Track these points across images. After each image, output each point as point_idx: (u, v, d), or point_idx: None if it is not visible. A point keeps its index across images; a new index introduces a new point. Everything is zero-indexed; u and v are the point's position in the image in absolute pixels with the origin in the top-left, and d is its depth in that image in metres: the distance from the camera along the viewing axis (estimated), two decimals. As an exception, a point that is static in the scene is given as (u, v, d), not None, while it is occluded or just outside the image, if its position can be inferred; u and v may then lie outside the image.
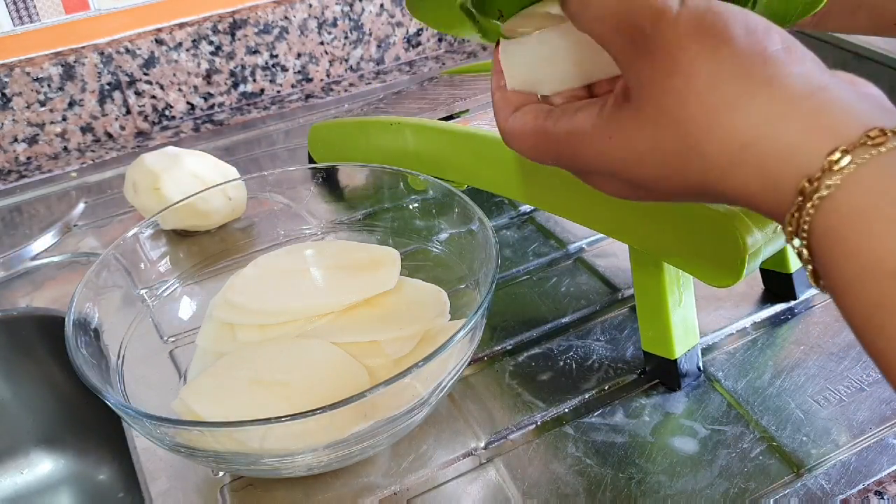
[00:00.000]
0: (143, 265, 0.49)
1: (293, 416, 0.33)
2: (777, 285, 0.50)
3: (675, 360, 0.44)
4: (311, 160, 0.65)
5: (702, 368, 0.46)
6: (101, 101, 0.76)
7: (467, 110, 0.54)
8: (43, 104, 0.74)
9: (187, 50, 0.78)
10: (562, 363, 0.47)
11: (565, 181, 0.43)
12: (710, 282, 0.38)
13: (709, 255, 0.37)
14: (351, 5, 0.84)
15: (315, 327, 0.46)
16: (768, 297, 0.50)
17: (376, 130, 0.55)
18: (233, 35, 0.79)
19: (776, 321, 0.49)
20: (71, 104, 0.75)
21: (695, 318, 0.44)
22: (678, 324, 0.43)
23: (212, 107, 0.82)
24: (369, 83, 0.86)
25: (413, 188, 0.51)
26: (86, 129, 0.77)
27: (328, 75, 0.87)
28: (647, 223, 0.40)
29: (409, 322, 0.45)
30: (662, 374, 0.45)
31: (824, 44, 0.69)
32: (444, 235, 0.51)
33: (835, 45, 0.68)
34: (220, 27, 0.78)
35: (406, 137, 0.53)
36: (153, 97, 0.78)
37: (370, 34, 0.87)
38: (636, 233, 0.41)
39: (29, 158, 0.76)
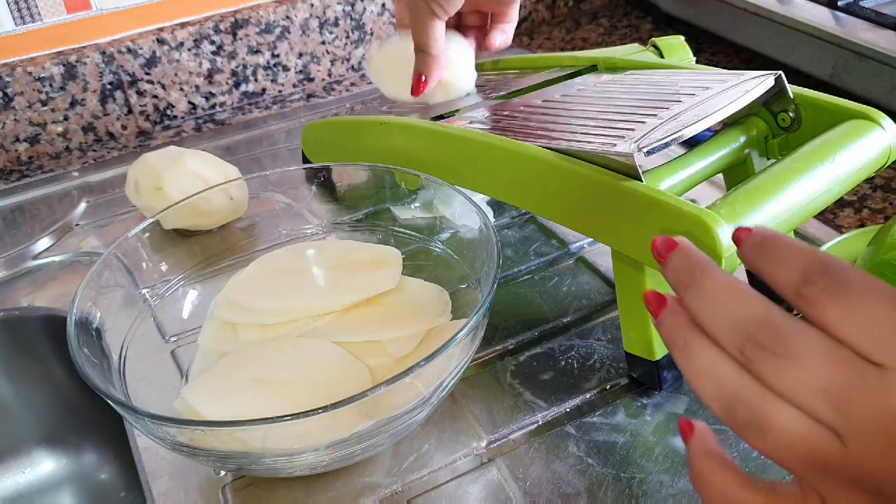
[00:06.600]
0: (144, 265, 0.49)
1: (295, 416, 0.33)
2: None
3: (656, 362, 0.44)
4: (304, 159, 0.65)
5: None
6: (103, 101, 0.76)
7: (458, 110, 0.54)
8: (45, 104, 0.74)
9: (189, 49, 0.78)
10: (563, 363, 0.47)
11: (545, 181, 0.43)
12: None
13: None
14: (352, 5, 0.84)
15: (317, 327, 0.46)
16: (770, 297, 0.50)
17: (367, 129, 0.55)
18: (234, 35, 0.79)
19: (777, 321, 0.49)
20: (73, 104, 0.75)
21: None
22: None
23: (213, 106, 0.82)
24: (371, 83, 0.86)
25: (408, 188, 0.51)
26: (87, 129, 0.77)
27: (330, 75, 0.87)
28: (625, 224, 0.39)
29: (411, 322, 0.45)
30: (644, 374, 0.45)
31: (826, 44, 0.69)
32: (445, 235, 0.51)
33: (835, 44, 0.68)
34: (221, 27, 0.78)
35: (395, 137, 0.53)
36: (155, 97, 0.78)
37: (372, 34, 0.87)
38: (615, 234, 0.41)
39: (31, 158, 0.76)
